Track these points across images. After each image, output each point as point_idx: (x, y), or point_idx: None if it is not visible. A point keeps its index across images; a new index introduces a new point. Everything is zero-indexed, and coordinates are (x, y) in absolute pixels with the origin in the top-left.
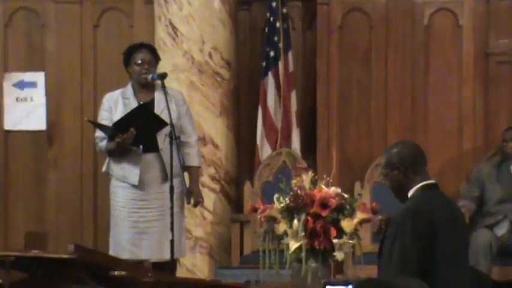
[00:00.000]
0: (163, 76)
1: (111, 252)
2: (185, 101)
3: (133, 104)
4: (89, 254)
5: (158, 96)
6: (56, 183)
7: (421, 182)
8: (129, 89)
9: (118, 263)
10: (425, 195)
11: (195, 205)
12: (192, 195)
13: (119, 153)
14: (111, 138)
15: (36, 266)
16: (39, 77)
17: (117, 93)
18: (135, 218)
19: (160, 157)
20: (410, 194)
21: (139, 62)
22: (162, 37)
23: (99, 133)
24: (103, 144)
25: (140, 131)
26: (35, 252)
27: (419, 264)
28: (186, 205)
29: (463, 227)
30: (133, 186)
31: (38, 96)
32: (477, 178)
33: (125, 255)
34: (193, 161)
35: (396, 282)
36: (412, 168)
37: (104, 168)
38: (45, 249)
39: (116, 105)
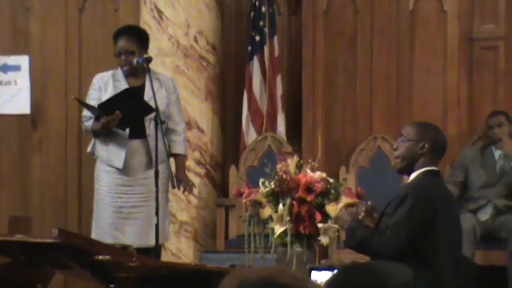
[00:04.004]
0: (148, 60)
1: (93, 236)
2: (176, 88)
3: (124, 87)
4: (73, 238)
5: (149, 81)
6: (40, 167)
7: (429, 167)
8: (119, 71)
9: (102, 247)
10: (428, 180)
11: (189, 191)
12: (182, 183)
13: (104, 134)
14: (97, 118)
15: (20, 251)
16: (23, 61)
17: (108, 74)
18: (118, 203)
19: (146, 143)
20: (413, 175)
21: (117, 52)
22: (147, 21)
23: (86, 112)
24: (89, 123)
25: (126, 115)
26: (18, 237)
27: (409, 239)
28: (171, 189)
29: (458, 217)
30: (118, 171)
31: (22, 80)
32: (461, 163)
33: (107, 240)
34: (179, 148)
35: (380, 266)
36: (433, 152)
37: (89, 149)
38: (29, 234)
39: (106, 86)
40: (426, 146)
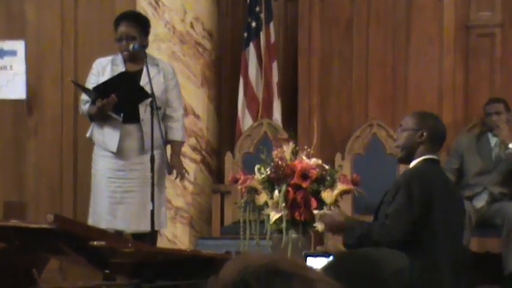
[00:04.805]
0: (144, 46)
1: (90, 221)
2: (175, 75)
3: (121, 71)
4: (68, 224)
5: (146, 66)
6: (36, 152)
7: (428, 155)
8: (119, 56)
9: (98, 233)
10: (427, 167)
11: (181, 178)
12: (174, 168)
13: (99, 118)
14: (94, 102)
15: (15, 236)
16: (19, 46)
17: (108, 59)
18: (112, 188)
19: (140, 127)
20: (413, 164)
21: (118, 37)
22: (143, 7)
23: (84, 96)
24: (86, 107)
25: (122, 100)
26: (13, 222)
27: (410, 227)
28: (167, 175)
29: (460, 206)
30: (113, 156)
31: (18, 65)
32: (457, 150)
33: (102, 225)
34: (176, 135)
35: (374, 254)
36: (432, 141)
37: (87, 134)
38: (24, 219)
39: (104, 70)
40: (425, 134)
